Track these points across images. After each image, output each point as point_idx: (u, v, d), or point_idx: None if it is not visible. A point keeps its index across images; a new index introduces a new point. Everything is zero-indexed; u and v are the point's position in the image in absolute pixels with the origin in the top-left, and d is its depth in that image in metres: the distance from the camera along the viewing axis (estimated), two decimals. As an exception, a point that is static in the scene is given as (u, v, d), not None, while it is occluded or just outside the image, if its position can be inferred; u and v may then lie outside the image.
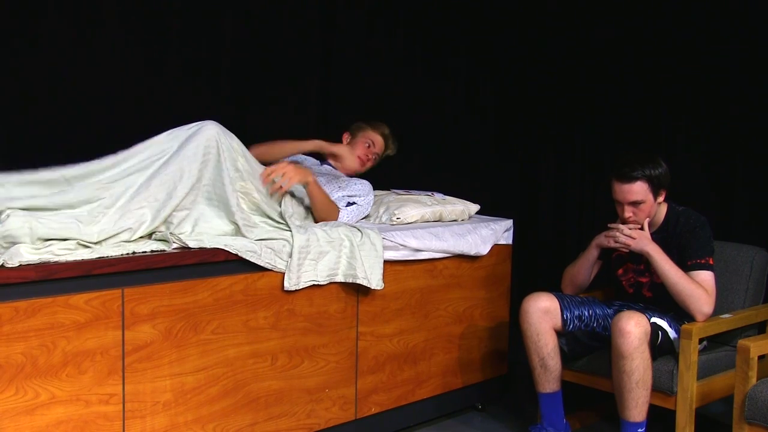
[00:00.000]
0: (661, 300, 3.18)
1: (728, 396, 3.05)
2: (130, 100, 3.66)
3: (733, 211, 4.06)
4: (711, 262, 3.13)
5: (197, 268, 2.68)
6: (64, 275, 2.38)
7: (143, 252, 2.60)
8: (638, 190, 3.13)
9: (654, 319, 3.04)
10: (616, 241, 3.17)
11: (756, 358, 2.81)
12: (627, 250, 3.17)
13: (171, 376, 2.63)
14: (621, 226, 3.17)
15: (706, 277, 3.11)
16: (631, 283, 3.31)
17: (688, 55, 4.17)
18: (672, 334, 3.09)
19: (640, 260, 3.26)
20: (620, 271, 3.35)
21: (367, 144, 3.60)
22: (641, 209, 3.16)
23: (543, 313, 3.19)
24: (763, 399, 2.72)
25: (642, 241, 3.13)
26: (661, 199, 3.20)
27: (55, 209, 2.53)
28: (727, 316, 3.20)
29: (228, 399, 2.78)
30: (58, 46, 3.46)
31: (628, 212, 3.17)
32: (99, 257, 2.48)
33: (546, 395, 3.23)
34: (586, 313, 3.22)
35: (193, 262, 2.66)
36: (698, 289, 3.07)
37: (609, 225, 3.23)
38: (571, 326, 3.21)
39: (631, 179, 3.12)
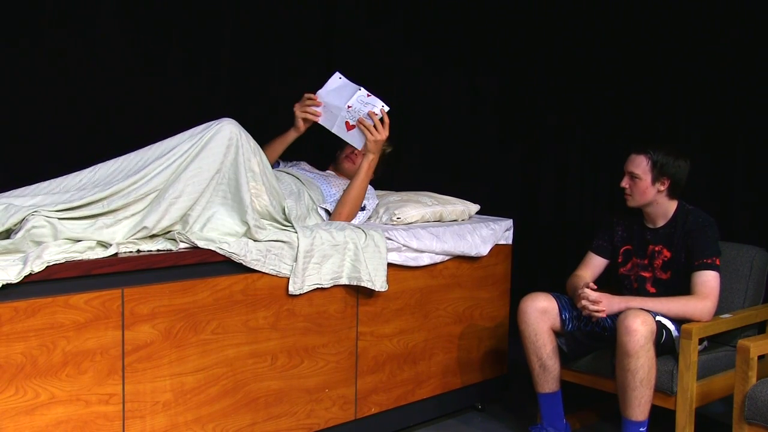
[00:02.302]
0: (664, 296, 3.18)
1: (728, 396, 3.04)
2: (129, 99, 3.66)
3: (733, 211, 4.05)
4: (717, 262, 3.13)
5: (197, 268, 2.67)
6: (63, 275, 2.37)
7: (148, 251, 2.61)
8: (638, 163, 3.22)
9: (659, 318, 3.04)
10: (588, 312, 3.12)
11: (756, 358, 2.81)
12: (603, 316, 3.13)
13: (171, 376, 2.63)
14: (586, 293, 3.12)
15: (710, 277, 3.11)
16: (635, 278, 3.31)
17: (689, 54, 4.16)
18: (675, 333, 3.09)
19: (644, 255, 3.27)
20: (628, 266, 3.35)
21: (352, 148, 3.55)
22: (636, 185, 3.22)
23: (541, 313, 3.20)
24: (762, 399, 2.72)
25: (611, 304, 3.11)
26: (662, 188, 3.20)
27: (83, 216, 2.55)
28: (727, 316, 3.20)
29: (228, 399, 2.78)
30: (57, 46, 3.45)
31: (625, 182, 3.25)
32: (99, 257, 2.49)
33: (545, 395, 3.23)
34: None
35: (193, 262, 2.66)
36: (689, 301, 3.09)
37: (578, 292, 3.20)
38: (570, 326, 3.21)
39: (638, 151, 3.24)
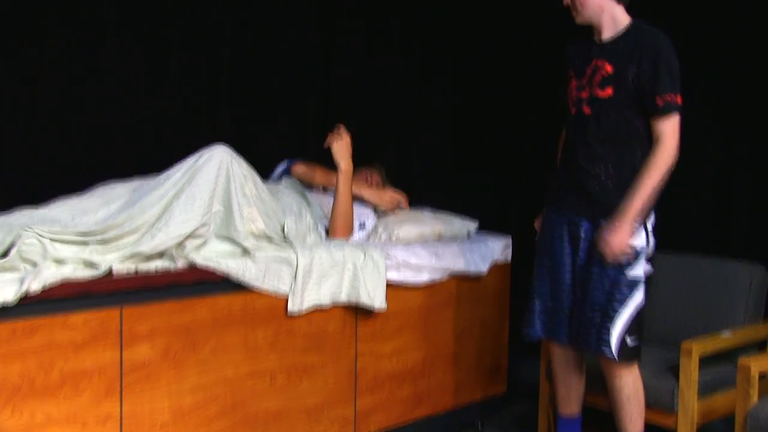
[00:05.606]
0: (600, 120, 2.91)
1: (730, 414, 3.03)
2: (129, 120, 3.64)
3: (732, 228, 4.04)
4: (679, 100, 2.82)
5: (196, 286, 2.67)
6: (61, 294, 2.36)
7: (146, 270, 2.60)
8: None
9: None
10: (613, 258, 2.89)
11: (757, 377, 2.80)
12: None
13: (169, 396, 2.61)
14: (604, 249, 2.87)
15: (675, 123, 2.81)
16: (573, 102, 3.04)
17: (689, 59, 4.11)
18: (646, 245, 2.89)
19: (583, 74, 2.99)
20: (567, 90, 3.08)
21: (365, 177, 3.69)
22: None
23: (571, 369, 3.14)
24: (764, 418, 2.70)
25: (617, 241, 2.82)
26: None
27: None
28: (727, 333, 3.19)
29: (226, 419, 2.76)
30: (58, 65, 3.44)
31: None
32: (95, 276, 2.47)
33: (565, 420, 3.18)
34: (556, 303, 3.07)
35: (192, 281, 2.65)
36: (656, 164, 2.81)
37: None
38: (566, 338, 3.12)
39: None
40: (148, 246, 2.62)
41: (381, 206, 3.56)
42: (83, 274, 2.45)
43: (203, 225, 2.74)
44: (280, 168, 3.61)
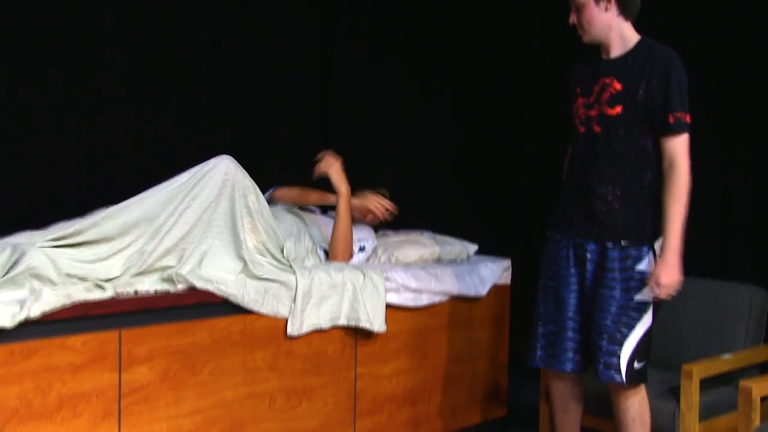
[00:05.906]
0: (609, 139, 2.87)
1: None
2: (128, 121, 3.64)
3: (732, 250, 4.04)
4: (688, 119, 2.80)
5: (195, 308, 2.66)
6: (60, 316, 2.35)
7: (146, 292, 2.60)
8: None
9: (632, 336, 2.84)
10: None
11: (759, 399, 2.78)
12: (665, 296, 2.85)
13: (167, 419, 2.59)
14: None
15: (685, 142, 2.79)
16: (582, 121, 2.99)
17: (690, 70, 4.09)
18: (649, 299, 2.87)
19: (591, 92, 2.98)
20: (574, 108, 3.02)
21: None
22: (582, 16, 2.88)
23: (570, 396, 3.08)
24: (766, 441, 2.69)
25: (670, 275, 2.78)
26: (609, 5, 2.86)
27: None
28: (727, 356, 3.18)
29: (225, 442, 2.75)
30: (57, 84, 3.46)
31: (571, 18, 2.93)
32: (96, 298, 2.46)
33: None
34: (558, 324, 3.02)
35: (191, 303, 2.65)
36: (676, 193, 2.77)
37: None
38: (569, 363, 3.10)
39: None
40: (151, 245, 2.67)
41: (369, 208, 3.48)
42: (85, 296, 2.44)
43: (197, 226, 2.78)
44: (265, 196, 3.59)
